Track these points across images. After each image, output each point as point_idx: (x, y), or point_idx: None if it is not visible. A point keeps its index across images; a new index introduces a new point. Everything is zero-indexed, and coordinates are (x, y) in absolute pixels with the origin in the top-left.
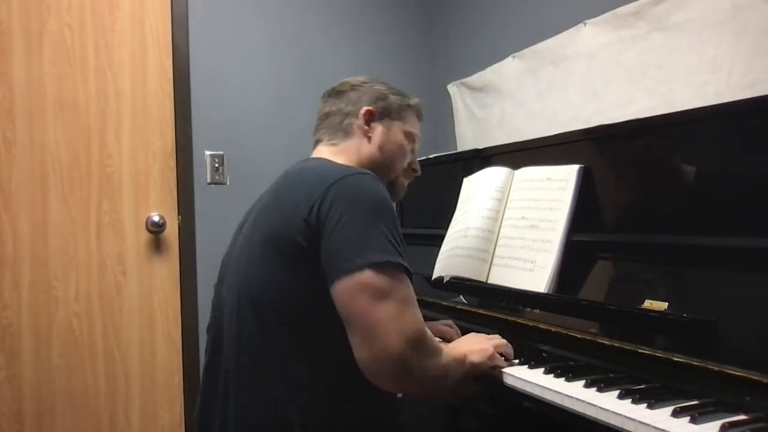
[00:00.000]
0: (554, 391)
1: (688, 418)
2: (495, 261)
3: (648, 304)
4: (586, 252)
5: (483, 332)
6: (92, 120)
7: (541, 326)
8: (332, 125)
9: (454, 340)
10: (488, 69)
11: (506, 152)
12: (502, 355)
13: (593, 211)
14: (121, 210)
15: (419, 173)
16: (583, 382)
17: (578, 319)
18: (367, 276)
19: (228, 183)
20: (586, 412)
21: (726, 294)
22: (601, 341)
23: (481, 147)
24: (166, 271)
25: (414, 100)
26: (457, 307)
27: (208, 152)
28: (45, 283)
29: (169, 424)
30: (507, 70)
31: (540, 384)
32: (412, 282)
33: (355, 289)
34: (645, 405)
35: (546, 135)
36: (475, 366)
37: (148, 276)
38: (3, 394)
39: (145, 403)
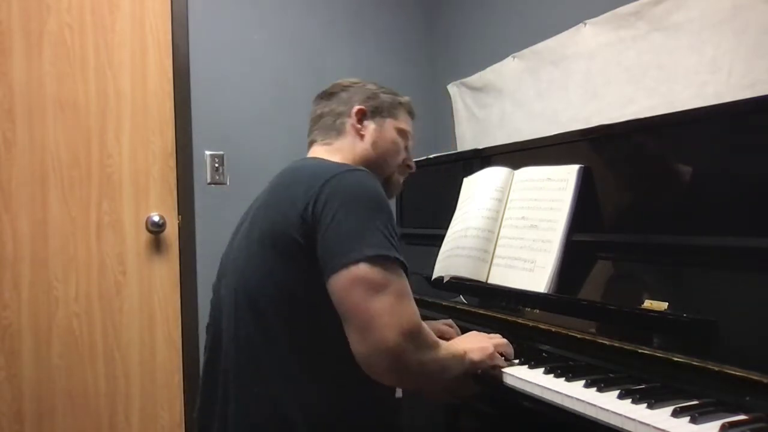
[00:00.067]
0: (554, 391)
1: (688, 418)
2: (495, 261)
3: (648, 304)
4: (586, 252)
5: (483, 332)
6: (92, 120)
7: (541, 326)
8: (325, 126)
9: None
10: (488, 69)
11: (506, 152)
12: (502, 354)
13: (593, 211)
14: (121, 210)
15: (414, 169)
16: (583, 382)
17: (578, 319)
18: (363, 269)
19: (228, 183)
20: (586, 412)
21: (726, 294)
22: (601, 341)
23: (481, 147)
24: (166, 271)
25: (405, 98)
26: (457, 307)
27: (208, 152)
28: (45, 283)
29: (169, 424)
30: (507, 70)
31: (540, 384)
32: (408, 276)
33: (350, 282)
34: (645, 405)
35: (546, 135)
36: (474, 364)
37: (148, 276)
38: (3, 394)
39: (145, 403)
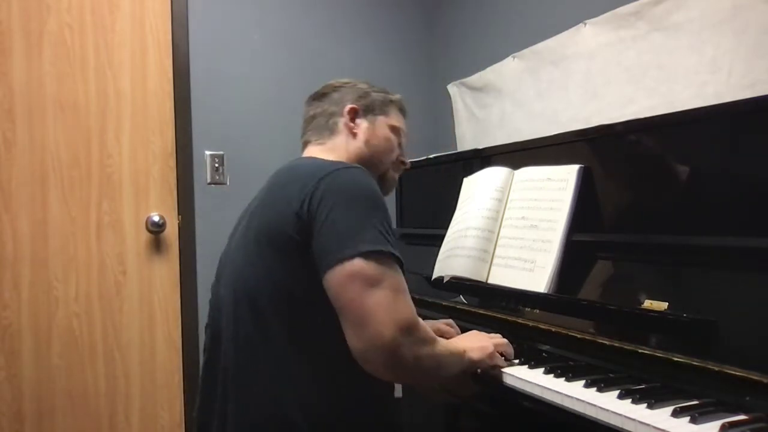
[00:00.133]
0: (554, 391)
1: (688, 418)
2: (495, 261)
3: (648, 304)
4: (586, 252)
5: (483, 332)
6: (92, 120)
7: (541, 326)
8: (318, 126)
9: None
10: (488, 69)
11: (506, 152)
12: (502, 354)
13: (593, 211)
14: (121, 210)
15: (408, 166)
16: (583, 382)
17: (578, 319)
18: (358, 264)
19: (228, 183)
20: (586, 412)
21: (726, 294)
22: (601, 341)
23: (481, 147)
24: (166, 271)
25: (396, 96)
26: (457, 307)
27: (208, 152)
28: (45, 283)
29: (169, 424)
30: (507, 70)
31: (540, 384)
32: (404, 272)
33: (346, 277)
34: (645, 405)
35: (546, 135)
36: (474, 363)
37: (148, 276)
38: (3, 394)
39: (145, 403)
